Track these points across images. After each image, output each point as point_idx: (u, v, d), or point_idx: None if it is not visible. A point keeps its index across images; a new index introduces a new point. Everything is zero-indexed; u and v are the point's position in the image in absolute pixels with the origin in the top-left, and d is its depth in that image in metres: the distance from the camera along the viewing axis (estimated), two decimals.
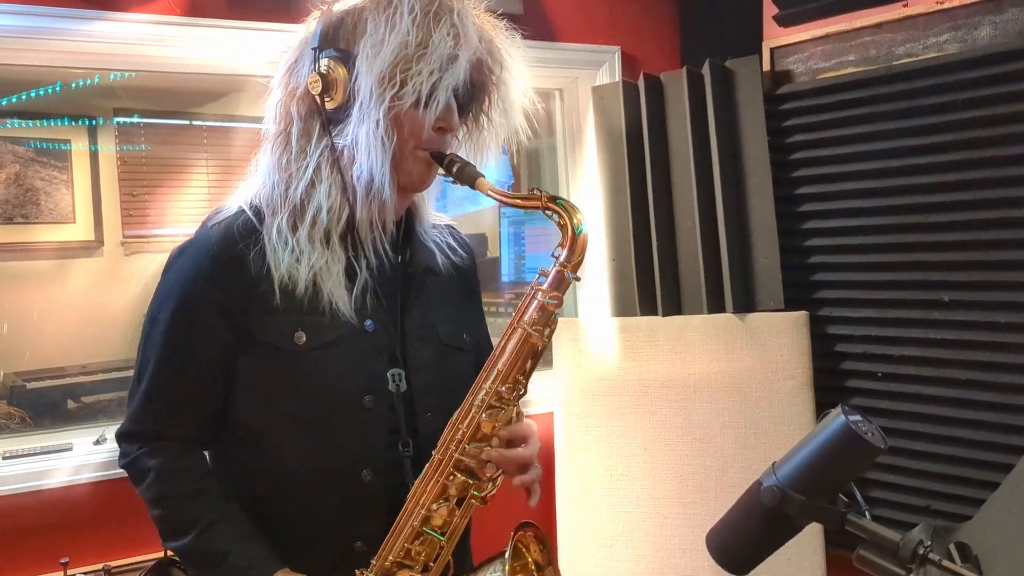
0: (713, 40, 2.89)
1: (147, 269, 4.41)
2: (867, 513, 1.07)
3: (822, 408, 2.55)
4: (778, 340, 2.55)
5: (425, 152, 1.29)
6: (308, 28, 1.33)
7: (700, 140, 2.62)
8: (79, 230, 4.37)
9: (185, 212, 4.57)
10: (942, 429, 2.38)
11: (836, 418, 1.05)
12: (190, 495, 1.30)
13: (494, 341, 1.34)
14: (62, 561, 2.17)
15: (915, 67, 2.38)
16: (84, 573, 2.21)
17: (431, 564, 1.27)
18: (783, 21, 2.69)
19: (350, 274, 1.30)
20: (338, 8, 1.29)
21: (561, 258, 1.23)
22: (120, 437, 1.37)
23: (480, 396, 1.25)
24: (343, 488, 1.31)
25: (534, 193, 1.24)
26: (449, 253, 1.47)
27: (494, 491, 1.29)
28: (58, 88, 3.87)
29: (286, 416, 1.30)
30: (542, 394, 2.76)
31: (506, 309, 3.75)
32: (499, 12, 2.57)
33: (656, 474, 2.59)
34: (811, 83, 2.60)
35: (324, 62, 1.25)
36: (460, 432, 1.26)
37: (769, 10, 2.72)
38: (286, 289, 1.25)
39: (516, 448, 1.28)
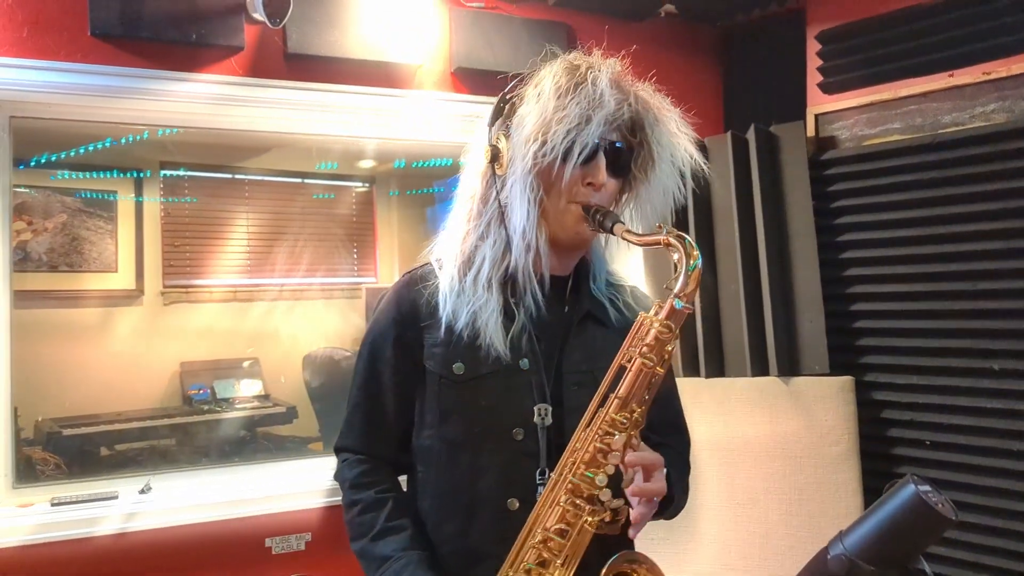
0: (757, 106, 2.93)
1: (186, 319, 4.49)
2: None
3: (869, 475, 2.52)
4: (823, 405, 2.53)
5: (576, 205, 1.37)
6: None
7: (744, 204, 2.65)
8: (121, 279, 4.47)
9: (225, 263, 4.66)
10: (993, 501, 2.33)
11: (906, 487, 1.05)
12: (370, 505, 1.43)
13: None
14: None
15: (962, 135, 2.39)
16: None
17: None
18: (828, 88, 2.72)
19: (509, 317, 1.41)
20: (509, 94, 1.44)
21: (675, 289, 1.28)
22: (335, 451, 1.54)
23: (595, 423, 1.29)
24: (492, 514, 1.38)
25: (658, 229, 1.32)
26: (623, 309, 1.51)
27: (612, 520, 1.28)
28: (108, 143, 3.99)
29: (446, 440, 1.42)
30: None
31: None
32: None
33: (698, 539, 2.56)
34: (856, 149, 2.62)
35: (495, 135, 1.42)
36: (576, 457, 1.29)
37: (814, 77, 2.76)
38: (450, 326, 1.40)
39: (651, 484, 1.27)
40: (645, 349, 1.28)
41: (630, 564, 1.30)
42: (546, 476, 1.36)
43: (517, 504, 1.36)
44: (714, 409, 2.60)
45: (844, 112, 2.67)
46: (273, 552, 2.44)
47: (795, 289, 2.61)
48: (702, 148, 2.70)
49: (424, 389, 1.44)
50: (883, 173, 2.54)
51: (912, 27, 2.52)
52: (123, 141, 3.81)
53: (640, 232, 1.35)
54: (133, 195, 4.54)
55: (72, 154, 4.06)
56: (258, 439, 4.31)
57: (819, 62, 2.73)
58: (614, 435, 1.27)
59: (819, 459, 2.51)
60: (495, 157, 1.41)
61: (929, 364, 2.47)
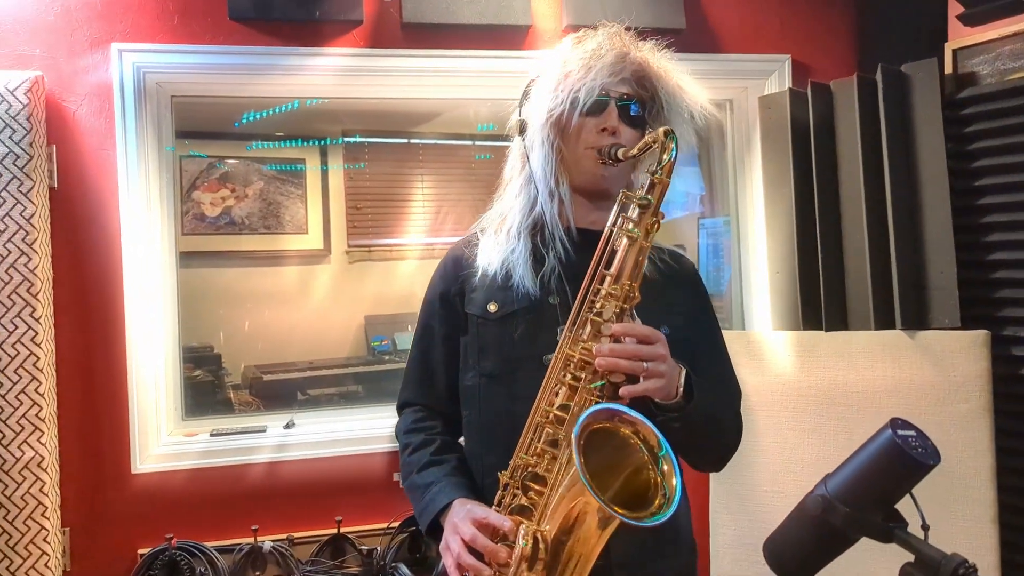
0: (894, 44, 2.75)
1: (368, 276, 4.86)
2: (926, 530, 1.04)
3: (1002, 435, 2.37)
4: (953, 360, 2.39)
5: (592, 150, 1.47)
6: None
7: (871, 149, 2.52)
8: (311, 240, 4.90)
9: (403, 223, 4.98)
10: None
11: (884, 431, 1.03)
12: (419, 445, 1.58)
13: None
14: (253, 528, 2.50)
15: None
16: (271, 540, 2.52)
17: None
18: (969, 20, 2.52)
19: (539, 260, 1.51)
20: (536, 70, 1.56)
21: (652, 167, 1.38)
22: (397, 410, 1.71)
23: (590, 296, 1.38)
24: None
25: (649, 133, 1.39)
26: (659, 264, 1.58)
27: (612, 387, 1.33)
28: (295, 105, 4.36)
29: (484, 374, 1.53)
30: None
31: None
32: (662, 28, 2.65)
33: None
34: (998, 85, 2.42)
35: (523, 109, 1.55)
36: (574, 332, 1.38)
37: (954, 9, 2.56)
38: (485, 272, 1.54)
39: (623, 345, 1.32)
40: (630, 225, 1.36)
41: (609, 421, 1.27)
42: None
43: None
44: (832, 363, 2.53)
45: (985, 45, 2.46)
46: (400, 486, 2.66)
47: (925, 238, 2.46)
48: (827, 93, 2.61)
49: (466, 333, 1.56)
50: None
51: None
52: (308, 103, 4.15)
53: (636, 146, 1.40)
54: (319, 163, 4.94)
55: (267, 115, 4.39)
56: None
57: None
58: (605, 306, 1.35)
59: (947, 416, 2.38)
60: (523, 130, 1.53)
61: None
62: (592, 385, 1.33)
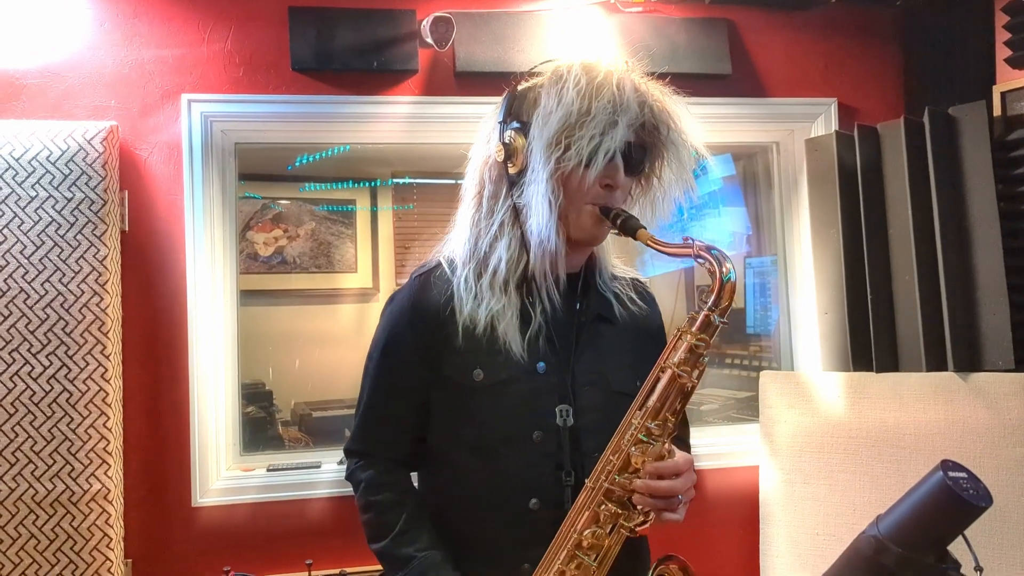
0: (940, 87, 2.77)
1: None
2: (979, 572, 1.05)
3: None
4: (1007, 403, 2.37)
5: (593, 207, 1.39)
6: (499, 105, 1.50)
7: (919, 190, 2.53)
8: (360, 279, 5.00)
9: None
10: None
11: (935, 473, 1.05)
12: (390, 505, 1.47)
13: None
14: (307, 562, 2.55)
15: None
16: (324, 574, 2.57)
17: None
18: (1016, 63, 2.53)
19: (525, 319, 1.43)
20: (522, 87, 1.45)
21: (709, 303, 1.30)
22: (345, 453, 1.60)
23: (630, 431, 1.34)
24: (513, 514, 1.43)
25: (687, 242, 1.32)
26: (628, 303, 1.56)
27: (644, 523, 1.36)
28: (347, 148, 4.50)
29: (466, 444, 1.45)
30: (747, 447, 2.76)
31: (751, 361, 3.74)
32: (708, 73, 2.70)
33: None
34: None
35: (508, 133, 1.41)
36: (611, 464, 1.35)
37: (1002, 52, 2.58)
38: (468, 331, 1.42)
39: (663, 481, 1.32)
40: (679, 360, 1.31)
41: (667, 564, 1.40)
42: (572, 478, 1.41)
43: (538, 504, 1.42)
44: (884, 404, 2.52)
45: None
46: (369, 547, 2.68)
47: (976, 280, 2.46)
48: (874, 136, 2.64)
49: (441, 393, 1.47)
50: None
51: None
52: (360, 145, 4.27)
53: (666, 241, 1.34)
54: (369, 204, 5.06)
55: (320, 156, 4.51)
56: None
57: (1007, 36, 2.55)
58: (648, 443, 1.33)
59: (1001, 460, 2.36)
60: (509, 156, 1.40)
61: None
62: (634, 525, 1.34)
